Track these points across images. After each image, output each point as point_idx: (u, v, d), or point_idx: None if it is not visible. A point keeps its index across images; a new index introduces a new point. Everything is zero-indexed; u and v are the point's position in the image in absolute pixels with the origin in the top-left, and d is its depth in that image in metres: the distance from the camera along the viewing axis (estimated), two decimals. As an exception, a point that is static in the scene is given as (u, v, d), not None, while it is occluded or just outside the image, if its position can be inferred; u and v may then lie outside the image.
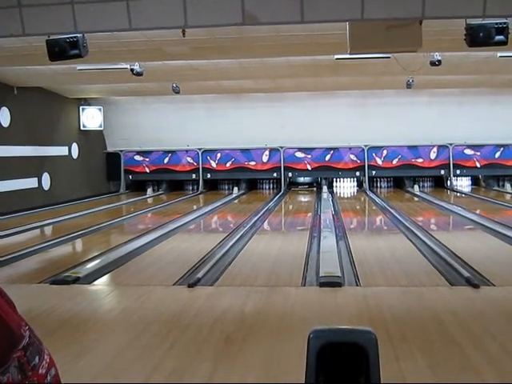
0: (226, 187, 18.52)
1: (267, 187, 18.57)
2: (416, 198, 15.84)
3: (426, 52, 9.63)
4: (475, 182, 18.33)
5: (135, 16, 5.36)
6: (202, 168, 18.18)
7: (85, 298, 5.60)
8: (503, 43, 6.54)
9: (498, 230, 8.86)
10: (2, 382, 1.07)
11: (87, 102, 17.52)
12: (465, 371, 3.50)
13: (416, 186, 17.79)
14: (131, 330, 4.44)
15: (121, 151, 18.45)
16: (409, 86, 13.66)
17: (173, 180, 18.56)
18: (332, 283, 5.61)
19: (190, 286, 5.66)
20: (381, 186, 18.41)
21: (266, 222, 11.23)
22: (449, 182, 17.95)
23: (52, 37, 6.65)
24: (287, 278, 6.20)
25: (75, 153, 16.70)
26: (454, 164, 17.74)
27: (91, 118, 17.55)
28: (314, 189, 18.03)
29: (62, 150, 15.97)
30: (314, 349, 1.84)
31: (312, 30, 8.02)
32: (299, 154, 18.03)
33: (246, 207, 14.24)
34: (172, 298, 5.42)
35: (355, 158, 18.02)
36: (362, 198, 16.32)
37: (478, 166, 17.75)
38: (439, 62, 10.23)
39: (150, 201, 16.68)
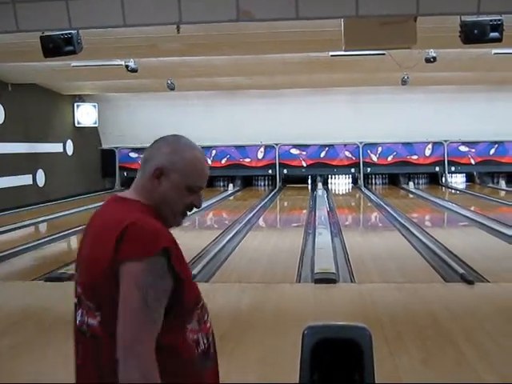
0: (221, 184, 18.49)
1: (262, 184, 18.56)
2: (411, 195, 15.86)
3: (421, 49, 9.64)
4: (470, 178, 18.35)
5: (129, 12, 5.34)
6: (197, 165, 18.12)
7: (80, 294, 5.58)
8: (498, 40, 6.55)
9: (492, 227, 8.89)
10: (188, 329, 1.65)
11: (82, 98, 17.47)
12: (459, 366, 3.52)
13: (411, 183, 17.81)
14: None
15: (116, 148, 18.41)
16: (404, 82, 13.67)
17: (168, 177, 18.49)
18: (327, 280, 5.62)
19: (185, 282, 5.65)
20: (376, 183, 18.43)
21: (261, 219, 11.24)
22: (443, 178, 17.97)
23: (46, 33, 6.63)
24: (282, 275, 6.21)
25: (70, 149, 16.65)
26: (448, 161, 17.76)
27: (86, 115, 17.50)
28: (309, 185, 18.03)
29: (56, 147, 15.92)
30: (308, 345, 1.85)
31: (307, 26, 8.01)
32: (294, 151, 18.03)
33: (241, 204, 14.24)
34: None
35: (350, 155, 18.02)
36: (357, 195, 16.34)
37: (473, 162, 17.78)
38: (434, 58, 10.24)
39: (144, 198, 16.62)
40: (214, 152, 18.16)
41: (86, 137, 17.61)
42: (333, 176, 18.41)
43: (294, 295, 5.37)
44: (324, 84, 15.31)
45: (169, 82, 13.67)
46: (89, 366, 1.73)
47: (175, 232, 1.69)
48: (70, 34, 6.62)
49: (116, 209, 1.74)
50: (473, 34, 6.49)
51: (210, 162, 18.10)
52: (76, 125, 17.26)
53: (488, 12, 5.90)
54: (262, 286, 5.67)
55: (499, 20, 6.42)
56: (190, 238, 8.97)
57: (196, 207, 1.82)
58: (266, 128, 17.38)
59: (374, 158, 18.00)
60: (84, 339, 1.80)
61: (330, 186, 18.05)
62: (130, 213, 1.67)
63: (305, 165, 18.05)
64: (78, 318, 1.83)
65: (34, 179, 14.55)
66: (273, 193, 16.39)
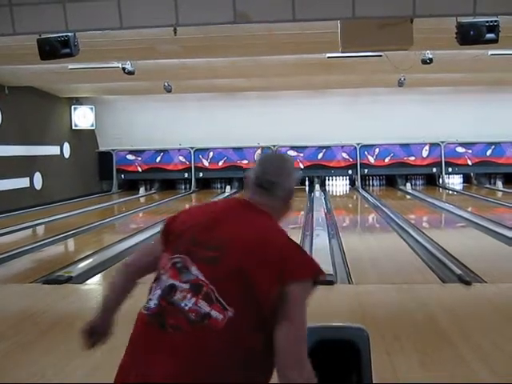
0: (219, 186, 18.49)
1: (260, 186, 18.52)
2: (408, 196, 15.88)
3: (418, 50, 9.65)
4: (467, 179, 18.37)
5: (126, 14, 5.35)
6: (195, 167, 18.16)
7: (77, 297, 5.58)
8: (494, 41, 6.57)
9: (489, 228, 8.90)
10: None
11: (79, 101, 17.47)
12: (456, 367, 3.52)
13: (408, 184, 17.82)
14: (124, 328, 4.42)
15: (113, 150, 18.40)
16: (400, 84, 13.70)
17: (165, 179, 18.52)
18: (324, 281, 5.61)
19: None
20: (373, 184, 18.44)
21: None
22: (441, 179, 18.00)
23: (43, 36, 6.63)
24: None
25: (67, 152, 16.64)
26: (445, 162, 17.79)
27: (83, 117, 17.50)
28: (306, 187, 18.04)
29: (53, 150, 15.91)
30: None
31: (304, 28, 8.03)
32: (291, 153, 18.01)
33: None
34: (165, 296, 5.40)
35: (347, 157, 18.04)
36: (355, 196, 16.35)
37: (470, 163, 17.81)
38: (430, 60, 10.27)
39: (142, 200, 16.64)
40: (211, 154, 18.17)
41: (83, 139, 17.60)
42: (330, 177, 18.42)
43: (291, 297, 5.35)
44: (321, 86, 15.34)
45: (166, 84, 13.68)
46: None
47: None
48: (66, 36, 6.62)
49: (262, 221, 1.98)
50: (469, 36, 6.51)
51: (207, 164, 18.13)
52: (73, 127, 17.26)
53: (484, 13, 5.93)
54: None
55: (495, 21, 6.44)
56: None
57: None
58: (264, 130, 17.38)
59: (372, 160, 18.02)
60: (193, 327, 1.72)
61: (327, 187, 18.06)
62: (278, 231, 1.99)
63: (302, 166, 18.04)
64: (189, 305, 1.74)
65: (31, 182, 14.53)
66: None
